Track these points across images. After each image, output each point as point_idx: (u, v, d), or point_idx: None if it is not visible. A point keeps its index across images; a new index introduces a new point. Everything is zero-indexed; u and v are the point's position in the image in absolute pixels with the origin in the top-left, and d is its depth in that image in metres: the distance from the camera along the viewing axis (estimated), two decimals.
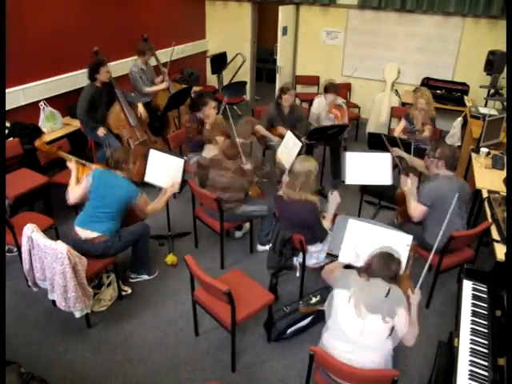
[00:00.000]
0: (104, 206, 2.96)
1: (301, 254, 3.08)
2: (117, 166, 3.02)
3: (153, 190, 3.68)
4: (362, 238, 2.67)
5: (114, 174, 3.03)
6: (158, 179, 3.51)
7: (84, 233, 2.95)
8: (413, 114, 4.55)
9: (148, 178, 3.56)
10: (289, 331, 2.91)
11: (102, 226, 2.96)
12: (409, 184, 3.22)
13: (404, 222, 3.36)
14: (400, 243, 2.56)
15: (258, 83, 7.93)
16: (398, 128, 4.70)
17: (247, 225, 3.94)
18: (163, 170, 3.47)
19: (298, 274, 3.16)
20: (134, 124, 4.62)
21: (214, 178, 3.48)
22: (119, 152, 3.06)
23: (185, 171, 3.41)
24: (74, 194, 3.11)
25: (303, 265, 3.09)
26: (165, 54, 6.30)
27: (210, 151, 4.04)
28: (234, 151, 3.46)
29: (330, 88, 4.84)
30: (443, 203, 3.00)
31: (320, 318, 2.91)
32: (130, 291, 3.31)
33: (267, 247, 3.76)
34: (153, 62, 5.29)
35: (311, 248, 3.09)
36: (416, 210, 3.12)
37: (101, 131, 4.42)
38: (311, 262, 3.14)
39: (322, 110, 4.91)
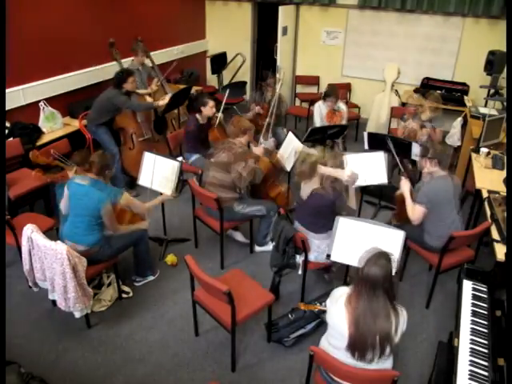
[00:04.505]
0: (80, 217, 2.88)
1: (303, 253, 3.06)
2: (101, 172, 2.90)
3: (144, 191, 3.65)
4: (354, 236, 2.66)
5: (83, 185, 2.87)
6: (152, 182, 3.42)
7: (72, 245, 2.83)
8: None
9: (142, 182, 3.49)
10: (291, 336, 2.90)
11: (86, 239, 2.89)
12: (405, 187, 3.24)
13: (402, 224, 3.35)
14: (392, 240, 2.55)
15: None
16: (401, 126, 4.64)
17: (244, 239, 3.94)
18: (158, 173, 3.41)
19: (300, 272, 3.16)
20: (141, 120, 4.62)
21: (215, 176, 3.46)
22: (103, 157, 2.94)
23: (182, 172, 3.39)
24: (64, 205, 3.03)
25: (305, 263, 3.08)
26: (164, 55, 6.30)
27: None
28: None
29: (330, 93, 4.87)
30: (440, 203, 3.05)
31: (323, 323, 2.92)
32: (131, 294, 3.29)
33: (265, 248, 3.77)
34: (149, 63, 5.27)
35: (319, 237, 3.07)
36: (414, 212, 3.11)
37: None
38: (312, 256, 3.09)
39: (322, 114, 4.95)
